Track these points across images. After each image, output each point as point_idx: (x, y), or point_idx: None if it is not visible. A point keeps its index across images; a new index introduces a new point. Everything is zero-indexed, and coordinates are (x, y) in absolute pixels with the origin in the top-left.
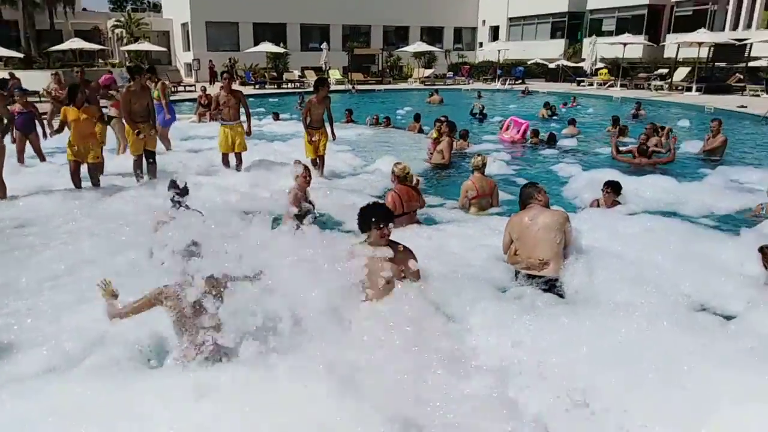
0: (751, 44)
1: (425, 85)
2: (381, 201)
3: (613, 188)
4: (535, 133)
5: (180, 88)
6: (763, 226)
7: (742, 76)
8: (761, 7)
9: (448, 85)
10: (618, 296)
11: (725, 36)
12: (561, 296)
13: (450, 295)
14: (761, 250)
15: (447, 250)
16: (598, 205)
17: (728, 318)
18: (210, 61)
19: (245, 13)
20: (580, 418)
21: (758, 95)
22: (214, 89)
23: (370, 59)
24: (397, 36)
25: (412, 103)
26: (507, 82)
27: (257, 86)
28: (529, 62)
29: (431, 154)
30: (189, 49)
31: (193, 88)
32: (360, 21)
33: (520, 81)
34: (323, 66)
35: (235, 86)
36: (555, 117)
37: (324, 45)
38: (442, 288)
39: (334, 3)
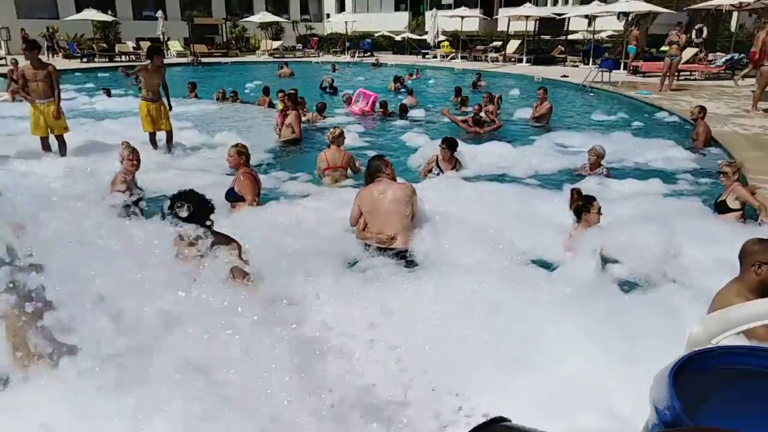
0: (569, 19)
1: (274, 57)
2: (228, 184)
3: (448, 144)
4: (384, 104)
5: None
6: (584, 182)
7: (563, 48)
8: None
9: (298, 57)
10: (462, 258)
11: (548, 10)
12: (412, 263)
13: (297, 274)
14: (572, 192)
15: (303, 225)
16: (437, 162)
17: (552, 268)
18: (22, 29)
19: None
20: (418, 380)
21: (577, 66)
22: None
23: (213, 30)
24: (241, 5)
25: (261, 76)
26: (356, 55)
27: (84, 59)
28: (376, 35)
29: (280, 129)
30: None
31: (3, 62)
32: None
33: (369, 53)
34: (161, 36)
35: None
36: (403, 89)
37: (159, 13)
38: (288, 267)
39: None
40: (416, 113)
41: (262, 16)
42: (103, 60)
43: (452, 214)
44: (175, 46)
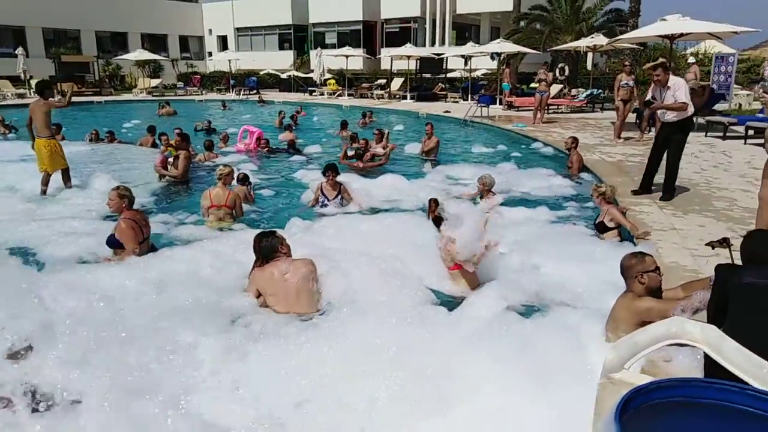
0: (447, 58)
1: (153, 96)
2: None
3: (332, 169)
4: (267, 142)
5: None
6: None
7: (444, 85)
8: (450, 27)
9: (179, 95)
10: (363, 299)
11: (427, 50)
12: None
13: (179, 331)
14: (430, 202)
15: (199, 271)
16: (321, 189)
17: (450, 301)
18: None
19: None
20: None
21: (457, 101)
22: None
23: (84, 68)
24: (115, 42)
25: (140, 115)
26: (242, 93)
27: None
28: (261, 72)
29: (162, 169)
30: None
31: None
32: (65, 25)
33: (254, 91)
34: (21, 75)
35: None
36: (296, 126)
37: (20, 50)
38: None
39: (29, 2)
40: (311, 149)
41: (138, 54)
42: None
43: (351, 250)
44: None
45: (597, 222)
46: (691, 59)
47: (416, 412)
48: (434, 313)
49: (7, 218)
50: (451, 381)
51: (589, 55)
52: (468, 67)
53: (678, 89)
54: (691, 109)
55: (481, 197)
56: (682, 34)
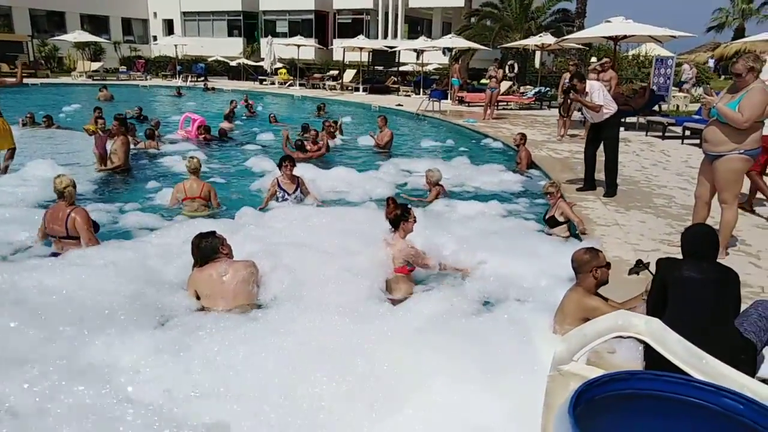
0: (399, 51)
1: (94, 80)
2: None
3: (290, 161)
4: (207, 129)
5: None
6: (430, 205)
7: (396, 79)
8: (402, 21)
9: (122, 80)
10: (308, 294)
11: (380, 43)
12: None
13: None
14: (388, 201)
15: (147, 263)
16: (278, 184)
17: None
18: None
19: None
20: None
21: (409, 95)
22: None
23: (17, 47)
24: (51, 22)
25: (81, 99)
26: (189, 79)
27: None
28: (209, 59)
29: (100, 156)
30: None
31: None
32: None
33: (202, 78)
34: None
35: None
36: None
37: None
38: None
39: None
40: (264, 137)
41: (77, 35)
42: None
43: (300, 244)
44: None
45: (547, 217)
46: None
47: (365, 410)
48: (382, 309)
49: None
50: (399, 377)
51: (538, 53)
52: (420, 61)
53: (592, 93)
54: (606, 111)
55: (429, 192)
56: (625, 36)
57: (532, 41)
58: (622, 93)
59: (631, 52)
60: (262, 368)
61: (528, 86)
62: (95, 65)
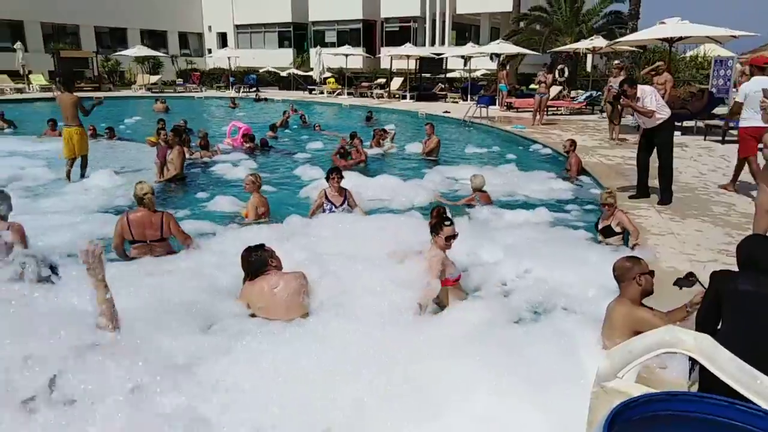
0: (447, 58)
1: (152, 92)
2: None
3: (337, 173)
4: (251, 138)
5: None
6: (475, 212)
7: (443, 86)
8: (449, 28)
9: (179, 92)
10: (353, 302)
11: (427, 50)
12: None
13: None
14: (432, 209)
15: (203, 270)
16: (325, 196)
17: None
18: None
19: None
20: None
21: (457, 102)
22: None
23: (83, 63)
24: (114, 38)
25: (141, 111)
26: (241, 90)
27: None
28: (260, 70)
29: (160, 167)
30: None
31: None
32: (64, 20)
33: (254, 88)
34: (20, 70)
35: None
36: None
37: (18, 45)
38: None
39: None
40: (313, 145)
41: (138, 50)
42: None
43: (346, 252)
44: (38, 80)
45: (601, 226)
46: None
47: (406, 415)
48: (424, 318)
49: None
50: (440, 385)
51: (589, 56)
52: (468, 68)
53: (644, 98)
54: (660, 116)
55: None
56: (681, 38)
57: (582, 45)
58: (679, 96)
59: (688, 54)
60: (306, 371)
61: (579, 90)
62: (154, 78)
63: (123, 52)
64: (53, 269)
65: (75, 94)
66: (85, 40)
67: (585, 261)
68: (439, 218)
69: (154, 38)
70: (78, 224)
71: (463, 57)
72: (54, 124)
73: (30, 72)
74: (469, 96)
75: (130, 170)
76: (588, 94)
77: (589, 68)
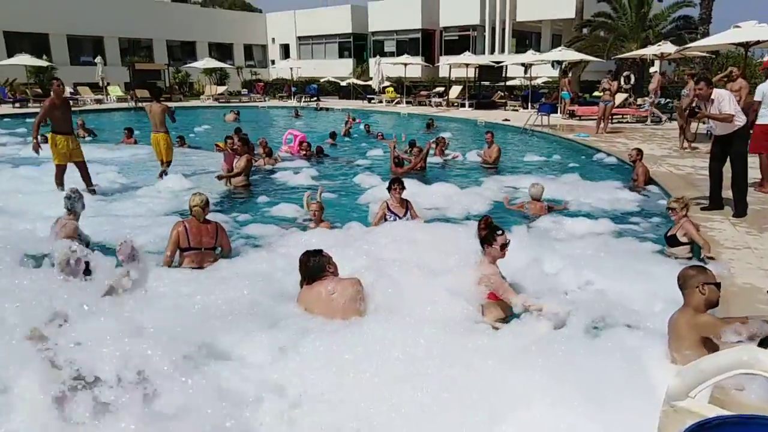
0: (506, 66)
1: (219, 102)
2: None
3: (399, 184)
4: (308, 146)
5: None
6: (537, 222)
7: (503, 93)
8: (509, 35)
9: (243, 102)
10: (412, 309)
11: (486, 58)
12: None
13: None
14: (480, 220)
15: (273, 274)
16: (387, 207)
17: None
18: None
19: None
20: None
21: (517, 110)
22: None
23: (155, 75)
24: (184, 51)
25: (208, 120)
26: (302, 100)
27: (17, 104)
28: (321, 80)
29: (227, 173)
30: None
31: None
32: (139, 35)
33: (315, 98)
34: (100, 82)
35: None
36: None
37: (98, 59)
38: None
39: (107, 14)
40: (372, 153)
41: (206, 62)
42: (37, 105)
43: (403, 259)
44: (115, 91)
45: (668, 235)
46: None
47: (463, 421)
48: (480, 328)
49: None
50: (499, 394)
51: (656, 62)
52: (528, 75)
53: (721, 101)
54: (738, 121)
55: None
56: (758, 42)
57: (650, 51)
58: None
59: (766, 58)
60: (365, 372)
61: (646, 98)
62: (220, 89)
63: (192, 64)
64: (87, 265)
65: (164, 103)
66: (157, 54)
67: (650, 274)
68: (489, 228)
69: (221, 50)
70: (150, 227)
71: (523, 65)
72: (130, 133)
73: (108, 84)
74: (529, 104)
75: (200, 176)
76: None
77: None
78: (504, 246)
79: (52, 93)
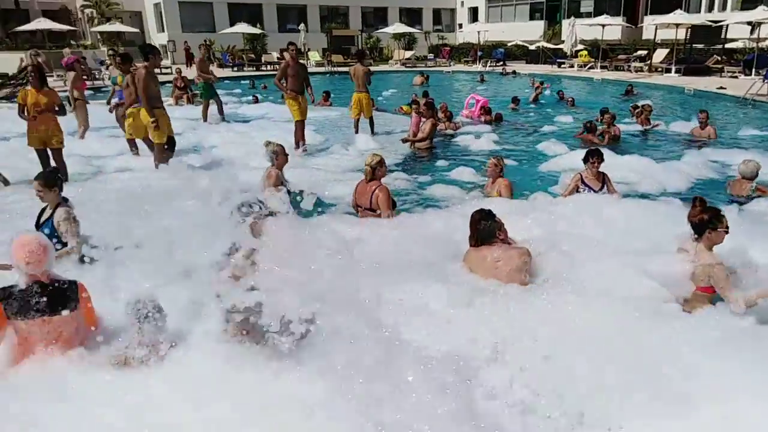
0: (727, 26)
1: (406, 66)
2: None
3: (598, 156)
4: (488, 111)
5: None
6: (748, 205)
7: (720, 58)
8: None
9: (429, 67)
10: (594, 284)
11: (702, 17)
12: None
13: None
14: (694, 200)
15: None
16: (581, 180)
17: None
18: (185, 42)
19: None
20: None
21: (736, 77)
22: (191, 71)
23: (350, 41)
24: (376, 17)
25: (395, 85)
26: (488, 64)
27: (235, 68)
28: (509, 44)
29: (413, 134)
30: (163, 30)
31: (169, 71)
32: (338, 2)
33: (501, 63)
34: (302, 48)
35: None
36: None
37: (302, 26)
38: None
39: None
40: (562, 119)
41: (396, 27)
42: (251, 69)
43: (592, 234)
44: (314, 56)
45: None
46: None
47: (647, 405)
48: (672, 311)
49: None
50: (691, 383)
51: None
52: (755, 36)
53: None
54: None
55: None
56: None
57: None
58: None
59: None
60: (536, 338)
61: None
62: (408, 54)
63: (383, 30)
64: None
65: (367, 66)
66: (353, 20)
67: None
68: (713, 210)
69: (411, 15)
70: (338, 181)
71: (749, 23)
72: (327, 96)
73: (309, 49)
74: (754, 70)
75: (385, 138)
76: None
77: None
78: (727, 229)
79: (287, 56)
